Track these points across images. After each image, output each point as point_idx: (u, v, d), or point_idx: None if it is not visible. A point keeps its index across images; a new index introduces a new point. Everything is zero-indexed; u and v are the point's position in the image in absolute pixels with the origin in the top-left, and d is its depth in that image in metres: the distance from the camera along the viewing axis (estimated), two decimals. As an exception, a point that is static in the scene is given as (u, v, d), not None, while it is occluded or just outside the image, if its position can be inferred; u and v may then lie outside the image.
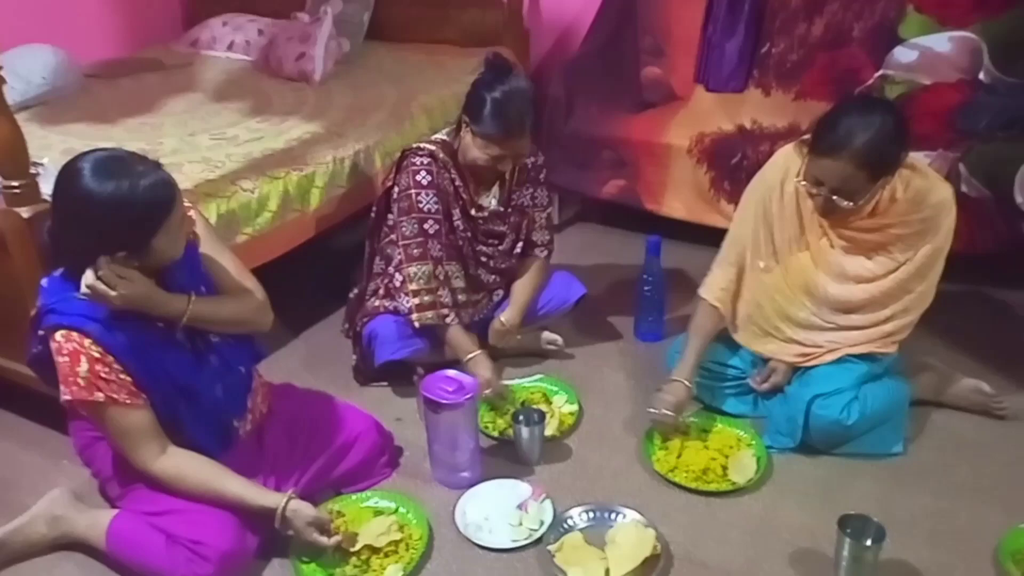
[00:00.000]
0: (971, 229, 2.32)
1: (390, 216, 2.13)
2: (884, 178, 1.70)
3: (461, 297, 2.13)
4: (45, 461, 1.95)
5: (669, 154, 2.74)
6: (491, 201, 2.17)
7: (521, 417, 1.90)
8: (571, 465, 1.93)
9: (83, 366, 1.45)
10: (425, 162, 2.04)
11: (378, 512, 1.74)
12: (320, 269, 2.72)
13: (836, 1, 2.84)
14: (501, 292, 2.26)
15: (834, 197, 1.71)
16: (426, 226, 2.04)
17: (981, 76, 2.57)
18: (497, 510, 1.75)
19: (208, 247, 1.65)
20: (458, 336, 2.08)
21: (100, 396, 1.46)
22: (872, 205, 1.76)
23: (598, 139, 2.85)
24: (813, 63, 2.89)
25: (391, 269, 2.12)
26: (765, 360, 1.99)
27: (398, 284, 2.08)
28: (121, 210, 1.38)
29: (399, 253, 2.07)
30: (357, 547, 1.62)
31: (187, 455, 1.57)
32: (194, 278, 1.59)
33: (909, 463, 1.90)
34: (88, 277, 1.42)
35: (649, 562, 1.60)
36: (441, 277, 2.07)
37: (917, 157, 1.94)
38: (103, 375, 1.46)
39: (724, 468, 1.85)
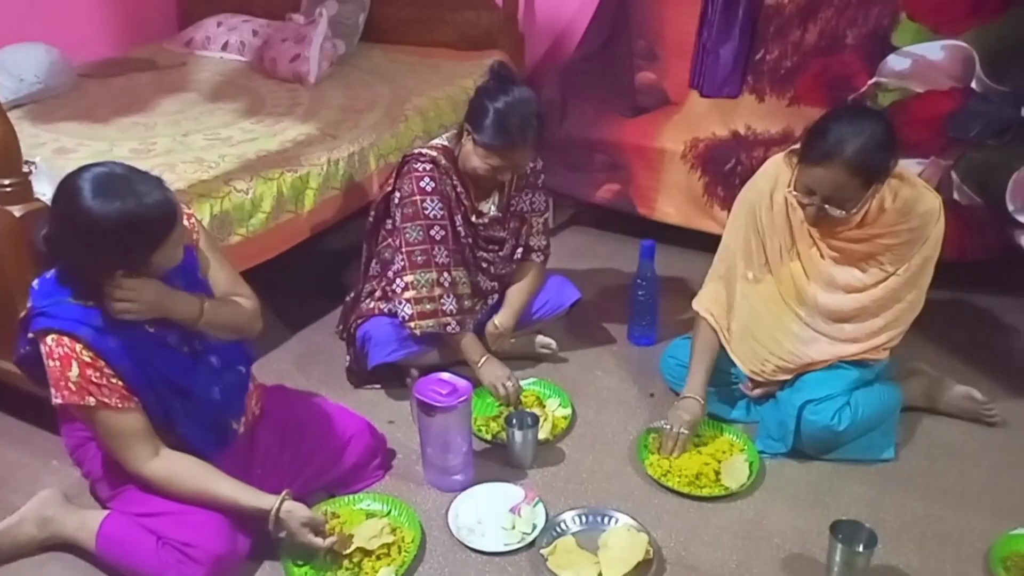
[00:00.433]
0: (962, 236, 2.33)
1: (389, 221, 2.12)
2: (875, 186, 1.71)
3: (467, 303, 2.13)
4: (35, 461, 1.93)
5: (663, 159, 2.75)
6: (491, 207, 2.17)
7: (514, 420, 1.90)
8: (564, 469, 1.93)
9: (74, 371, 1.44)
10: (428, 168, 2.04)
11: (370, 515, 1.73)
12: (314, 270, 2.72)
13: (830, 8, 2.85)
14: (496, 297, 2.26)
15: (826, 206, 1.72)
16: (432, 232, 2.04)
17: (973, 84, 2.59)
18: (490, 513, 1.74)
19: (206, 251, 1.65)
20: (468, 341, 2.08)
21: (91, 400, 1.46)
22: (862, 215, 1.77)
23: (592, 143, 2.85)
24: (807, 69, 2.90)
25: (390, 274, 2.11)
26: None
27: (398, 291, 2.07)
28: (125, 232, 1.38)
29: (401, 259, 2.05)
30: (349, 550, 1.62)
31: (179, 457, 1.56)
32: (191, 284, 1.59)
33: (900, 469, 1.91)
34: (114, 307, 1.44)
35: (641, 566, 1.60)
36: (447, 284, 2.06)
37: (909, 164, 1.96)
38: (94, 379, 1.45)
39: (717, 473, 1.86)
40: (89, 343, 1.44)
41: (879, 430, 1.91)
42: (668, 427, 1.88)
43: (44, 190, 1.78)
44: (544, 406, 2.10)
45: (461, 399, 1.76)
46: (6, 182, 1.73)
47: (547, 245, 2.29)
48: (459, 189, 2.09)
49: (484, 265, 2.19)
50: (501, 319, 2.19)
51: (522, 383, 2.16)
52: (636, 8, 3.12)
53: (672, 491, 1.82)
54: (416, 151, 2.09)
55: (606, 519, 1.73)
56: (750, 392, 1.99)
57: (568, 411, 2.09)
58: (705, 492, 1.82)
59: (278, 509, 1.55)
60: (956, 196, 2.37)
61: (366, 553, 1.62)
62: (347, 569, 1.61)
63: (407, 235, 2.04)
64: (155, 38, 3.57)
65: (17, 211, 1.73)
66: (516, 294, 2.23)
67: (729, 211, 2.04)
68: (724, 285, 1.98)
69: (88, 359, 1.44)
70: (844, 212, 1.72)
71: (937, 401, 2.06)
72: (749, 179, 1.98)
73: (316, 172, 2.39)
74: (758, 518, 1.77)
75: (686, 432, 1.87)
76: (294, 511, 1.57)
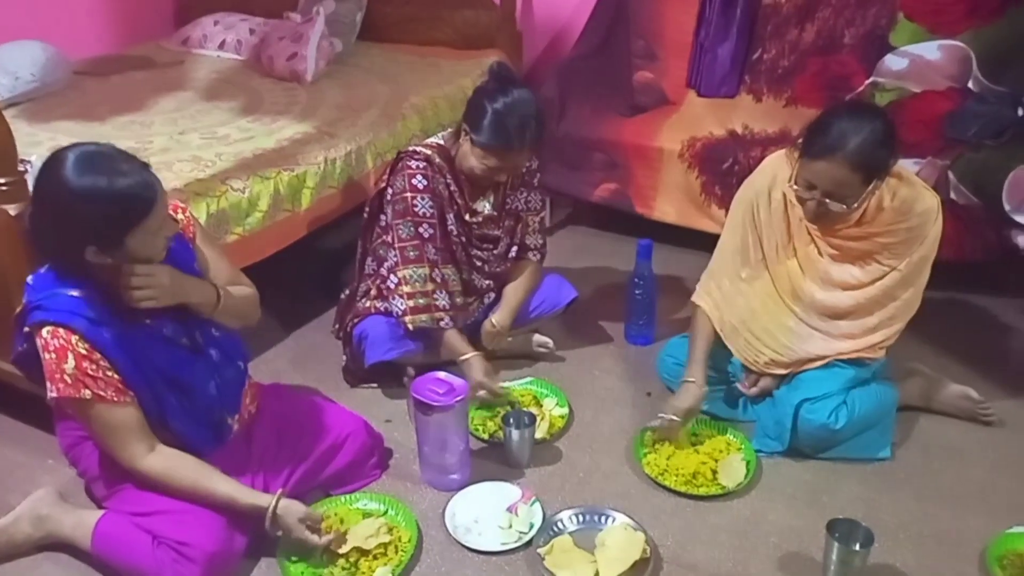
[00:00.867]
0: (959, 236, 2.34)
1: (383, 217, 2.12)
2: (875, 182, 1.71)
3: (459, 300, 2.13)
4: (30, 460, 1.93)
5: (661, 158, 2.75)
6: (485, 205, 2.16)
7: (511, 420, 1.90)
8: (561, 468, 1.93)
9: (70, 363, 1.43)
10: (421, 166, 2.03)
11: (367, 514, 1.73)
12: (311, 269, 2.71)
13: (828, 8, 2.86)
14: (492, 295, 2.25)
15: (827, 201, 1.72)
16: (421, 230, 2.04)
17: (970, 84, 2.60)
18: (486, 512, 1.74)
19: (203, 245, 1.65)
20: (453, 338, 2.08)
21: (87, 393, 1.45)
22: (861, 213, 1.77)
23: (590, 142, 2.85)
24: (804, 69, 2.90)
25: (384, 271, 2.11)
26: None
27: (392, 286, 2.07)
28: (93, 204, 1.37)
29: (394, 255, 2.06)
30: (346, 549, 1.61)
31: (175, 454, 1.56)
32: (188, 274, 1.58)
33: (896, 468, 1.91)
34: (133, 295, 1.44)
35: (638, 565, 1.60)
36: (438, 280, 2.06)
37: (906, 164, 1.96)
38: (90, 372, 1.45)
39: (714, 472, 1.86)
40: (84, 334, 1.43)
41: (876, 429, 1.92)
42: (661, 416, 1.88)
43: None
44: (541, 405, 2.10)
45: (458, 398, 1.75)
46: (2, 181, 1.72)
47: (543, 244, 2.28)
48: (452, 188, 2.09)
49: (478, 263, 2.19)
50: (498, 318, 2.19)
51: (519, 382, 2.17)
52: (635, 7, 3.12)
53: (669, 490, 1.82)
54: (411, 148, 2.09)
55: (603, 518, 1.72)
56: (747, 391, 1.99)
57: (565, 410, 2.09)
58: (702, 491, 1.82)
59: (275, 506, 1.55)
60: (953, 196, 2.37)
61: (363, 552, 1.62)
62: (343, 568, 1.60)
63: (399, 231, 2.04)
64: (152, 36, 3.56)
65: (12, 210, 1.72)
66: (513, 293, 2.23)
67: (727, 210, 2.05)
68: (721, 280, 1.98)
69: (84, 351, 1.44)
70: (844, 207, 1.72)
71: (933, 400, 2.06)
72: (747, 178, 1.98)
73: (313, 171, 2.39)
74: (755, 517, 1.77)
75: (677, 419, 1.87)
76: (291, 507, 1.57)
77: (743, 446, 1.93)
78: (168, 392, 1.54)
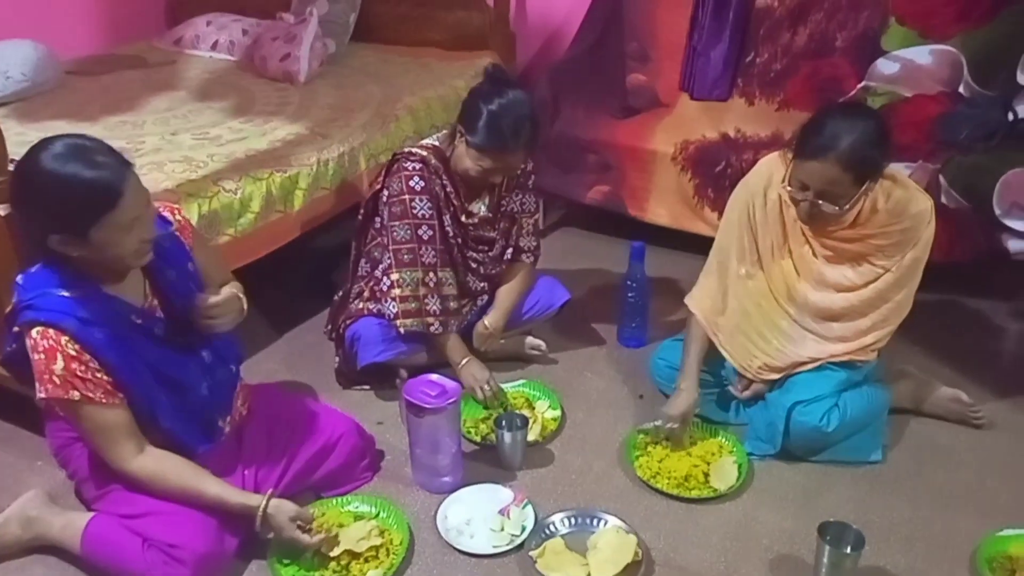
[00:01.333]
0: (950, 239, 2.34)
1: (377, 219, 2.12)
2: (868, 183, 1.72)
3: (452, 304, 2.13)
4: (19, 461, 1.92)
5: (654, 160, 2.75)
6: (481, 207, 2.16)
7: (503, 422, 1.90)
8: (553, 470, 1.92)
9: (59, 364, 1.43)
10: (417, 167, 2.03)
11: (358, 516, 1.72)
12: (303, 270, 2.71)
13: (820, 11, 2.87)
14: (486, 297, 2.25)
15: (819, 202, 1.73)
16: (420, 232, 2.03)
17: (961, 89, 2.61)
18: (478, 515, 1.74)
19: (199, 247, 1.65)
20: (451, 342, 2.07)
21: (75, 394, 1.44)
22: (854, 214, 1.78)
23: (584, 143, 2.85)
24: (796, 72, 2.91)
25: (378, 273, 2.11)
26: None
27: (385, 288, 2.07)
28: (58, 190, 1.36)
29: (388, 257, 2.05)
30: (336, 552, 1.61)
31: (165, 455, 1.55)
32: (182, 275, 1.58)
33: (887, 470, 1.92)
34: (207, 326, 1.56)
35: (630, 568, 1.60)
36: (431, 284, 2.06)
37: (897, 168, 1.96)
38: (79, 373, 1.44)
39: (706, 475, 1.86)
40: (74, 334, 1.42)
41: (867, 432, 1.92)
42: (661, 423, 1.89)
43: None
44: (533, 407, 2.09)
45: (450, 400, 1.75)
46: (-9, 180, 1.71)
47: (537, 246, 2.28)
48: (448, 189, 2.08)
49: (473, 265, 2.19)
50: (491, 320, 2.19)
51: (511, 384, 2.16)
52: (629, 10, 3.12)
53: (661, 493, 1.83)
54: (406, 150, 2.09)
55: (595, 521, 1.72)
56: (739, 394, 1.99)
57: (558, 412, 2.09)
58: (694, 494, 1.82)
59: (266, 505, 1.55)
60: (944, 199, 2.38)
61: (354, 555, 1.61)
62: (334, 571, 1.60)
63: (395, 233, 2.03)
64: (144, 36, 3.54)
65: (2, 210, 1.71)
66: (506, 295, 2.23)
67: (719, 213, 2.05)
68: (717, 282, 1.98)
69: (73, 352, 1.43)
70: (837, 208, 1.73)
71: (924, 403, 2.07)
72: (739, 182, 1.99)
73: (306, 172, 2.38)
74: (747, 520, 1.78)
75: (674, 427, 1.87)
76: (282, 506, 1.56)
77: (735, 449, 1.94)
78: (159, 391, 1.54)
